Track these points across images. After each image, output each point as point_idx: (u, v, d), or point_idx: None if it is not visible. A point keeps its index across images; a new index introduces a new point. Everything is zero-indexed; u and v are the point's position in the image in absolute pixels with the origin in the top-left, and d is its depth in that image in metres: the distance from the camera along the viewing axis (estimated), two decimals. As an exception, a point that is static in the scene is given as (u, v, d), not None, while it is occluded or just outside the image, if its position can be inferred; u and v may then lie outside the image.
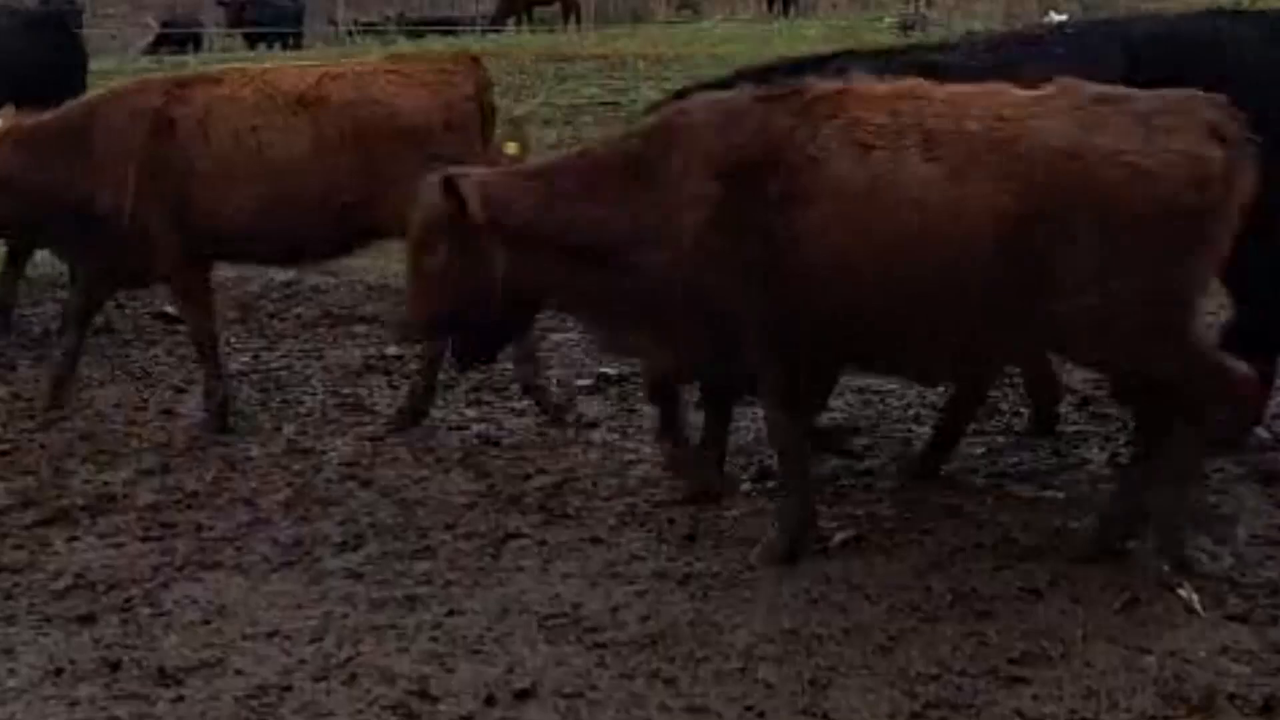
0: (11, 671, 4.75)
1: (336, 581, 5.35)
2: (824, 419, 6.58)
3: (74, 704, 4.56)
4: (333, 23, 33.43)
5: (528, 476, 6.37)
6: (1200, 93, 4.91)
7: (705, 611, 4.98)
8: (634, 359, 6.68)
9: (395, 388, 7.69)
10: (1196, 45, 6.13)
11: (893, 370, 5.92)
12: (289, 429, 7.15)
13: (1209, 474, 6.02)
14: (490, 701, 4.46)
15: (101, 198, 6.90)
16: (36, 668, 4.77)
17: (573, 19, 31.75)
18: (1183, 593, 4.94)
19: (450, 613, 5.05)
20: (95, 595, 5.30)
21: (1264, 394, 6.10)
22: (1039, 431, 6.69)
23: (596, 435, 6.89)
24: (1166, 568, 5.08)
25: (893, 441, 6.63)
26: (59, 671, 4.74)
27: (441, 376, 7.78)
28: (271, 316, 9.50)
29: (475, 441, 6.87)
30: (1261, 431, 6.49)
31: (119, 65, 20.69)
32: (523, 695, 4.48)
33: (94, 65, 10.90)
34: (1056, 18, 12.09)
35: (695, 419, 6.26)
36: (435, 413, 7.24)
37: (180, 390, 7.80)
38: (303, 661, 4.75)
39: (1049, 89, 4.99)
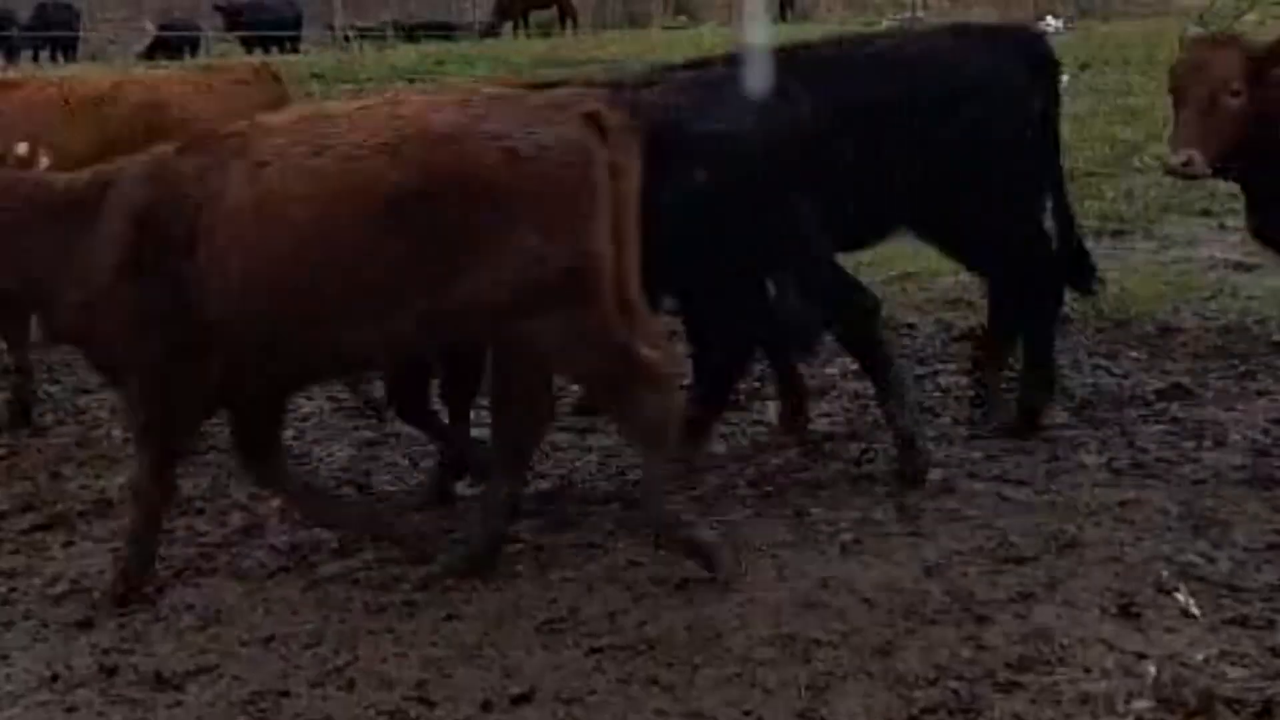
0: (9, 677, 4.76)
1: (333, 587, 5.35)
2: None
3: (71, 709, 4.57)
4: (329, 27, 33.42)
5: (524, 482, 6.36)
6: (591, 90, 5.48)
7: (702, 616, 4.97)
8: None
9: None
10: (922, 63, 6.52)
11: (332, 374, 6.19)
12: (286, 434, 7.13)
13: (1206, 479, 6.04)
14: (487, 706, 4.46)
15: None
16: (33, 673, 4.77)
17: (569, 24, 31.77)
18: (1180, 597, 4.95)
19: (447, 618, 5.05)
20: (92, 600, 5.30)
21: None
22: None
23: (593, 440, 6.88)
24: (1166, 572, 5.10)
25: (889, 447, 6.62)
26: (56, 677, 4.74)
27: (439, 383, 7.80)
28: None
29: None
30: (1259, 436, 6.52)
31: (115, 69, 20.66)
32: (520, 700, 4.48)
33: (92, 69, 10.91)
34: (1052, 22, 12.14)
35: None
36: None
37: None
38: (300, 667, 4.75)
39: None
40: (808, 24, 25.48)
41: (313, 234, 5.00)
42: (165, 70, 7.91)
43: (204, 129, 5.84)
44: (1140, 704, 4.33)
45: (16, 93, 7.46)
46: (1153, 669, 4.51)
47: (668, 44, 21.99)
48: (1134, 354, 7.81)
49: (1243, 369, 7.50)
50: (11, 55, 30.07)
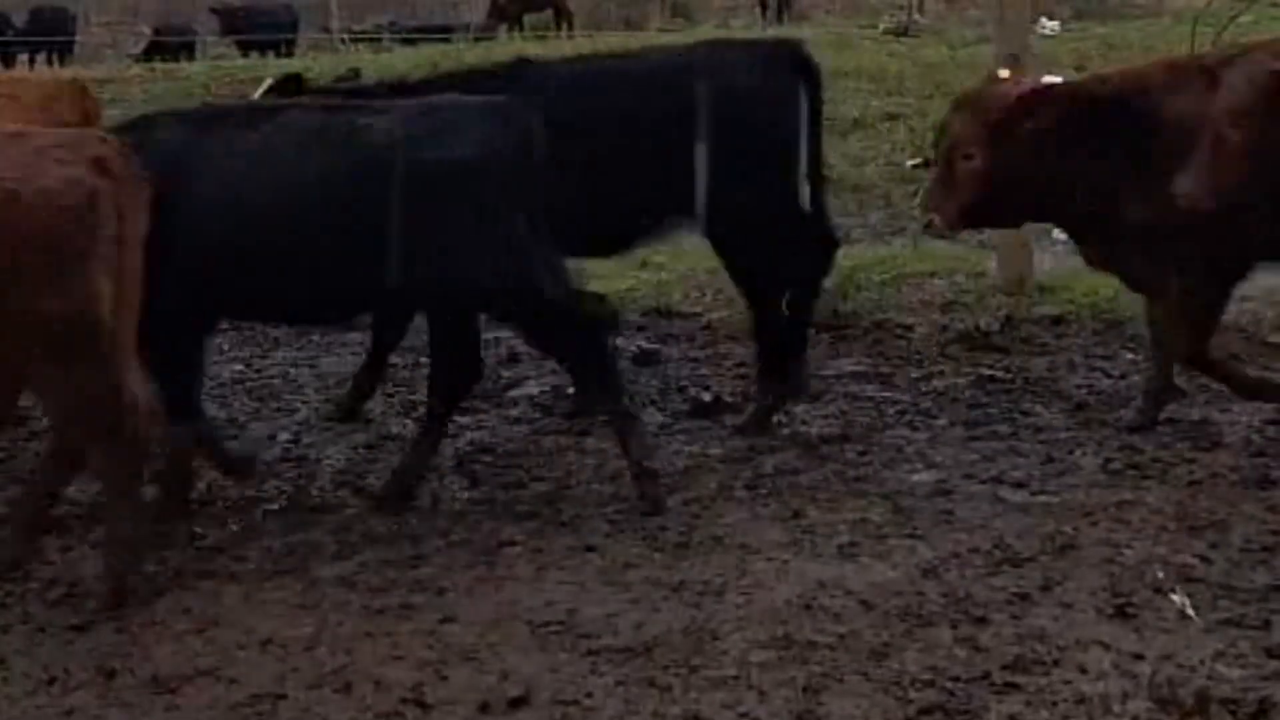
0: (5, 680, 4.75)
1: (330, 590, 5.35)
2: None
3: (68, 713, 4.56)
4: (326, 30, 33.41)
5: (521, 484, 6.38)
6: (96, 131, 5.69)
7: (699, 619, 4.98)
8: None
9: (389, 396, 7.69)
10: (670, 74, 6.96)
11: None
12: (282, 437, 7.15)
13: (1202, 480, 6.05)
14: (484, 709, 4.46)
15: None
16: (30, 676, 4.77)
17: (565, 26, 31.76)
18: (1176, 598, 4.95)
19: (444, 620, 5.05)
20: (89, 604, 5.30)
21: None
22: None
23: (590, 443, 6.88)
24: (1162, 574, 5.11)
25: (885, 449, 6.63)
26: (53, 680, 4.74)
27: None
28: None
29: (468, 449, 6.86)
30: (1255, 437, 6.52)
31: (111, 72, 20.66)
32: (517, 703, 4.48)
33: (87, 72, 10.91)
34: (1048, 24, 12.13)
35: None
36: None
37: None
38: (296, 670, 4.75)
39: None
40: (804, 26, 25.49)
41: None
42: None
43: None
44: (1136, 705, 4.33)
45: None
46: (1149, 670, 4.51)
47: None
48: (1130, 354, 7.81)
49: (1238, 370, 7.50)
50: (7, 59, 30.04)
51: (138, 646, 4.96)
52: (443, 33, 31.91)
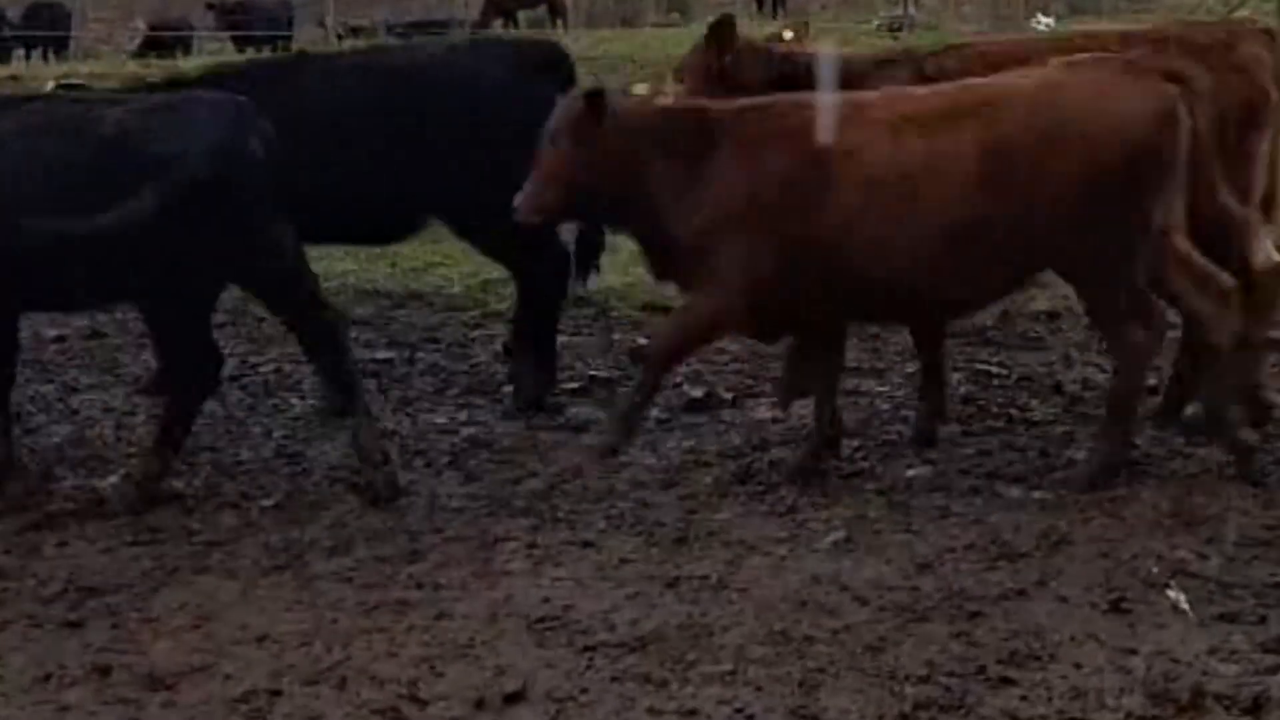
0: (1, 677, 4.75)
1: (326, 585, 5.35)
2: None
3: (63, 709, 4.56)
4: (321, 25, 33.39)
5: (517, 480, 6.38)
6: None
7: (695, 614, 4.98)
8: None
9: (384, 391, 7.69)
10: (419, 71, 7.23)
11: None
12: (278, 433, 7.15)
13: (1197, 475, 6.05)
14: (480, 705, 4.46)
15: None
16: (26, 673, 4.76)
17: (560, 22, 31.74)
18: (1171, 593, 4.96)
19: (440, 616, 5.06)
20: (84, 600, 5.30)
21: None
22: None
23: (586, 438, 6.88)
24: (1157, 569, 5.11)
25: (880, 444, 6.63)
26: (48, 676, 4.73)
27: (432, 380, 7.82)
28: (260, 320, 9.47)
29: (464, 445, 6.87)
30: (1249, 432, 6.52)
31: (107, 69, 20.63)
32: (512, 698, 4.48)
33: (84, 68, 10.90)
34: (1044, 20, 12.13)
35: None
36: (425, 416, 7.25)
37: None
38: (292, 666, 4.75)
39: None
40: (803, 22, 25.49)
41: None
42: None
43: None
44: (1131, 700, 4.33)
45: None
46: (1144, 665, 4.52)
47: (660, 42, 22.02)
48: (1125, 350, 7.81)
49: (1234, 365, 7.50)
50: (3, 55, 30.02)
51: (133, 643, 4.95)
52: (439, 28, 31.91)
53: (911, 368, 7.69)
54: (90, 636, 5.02)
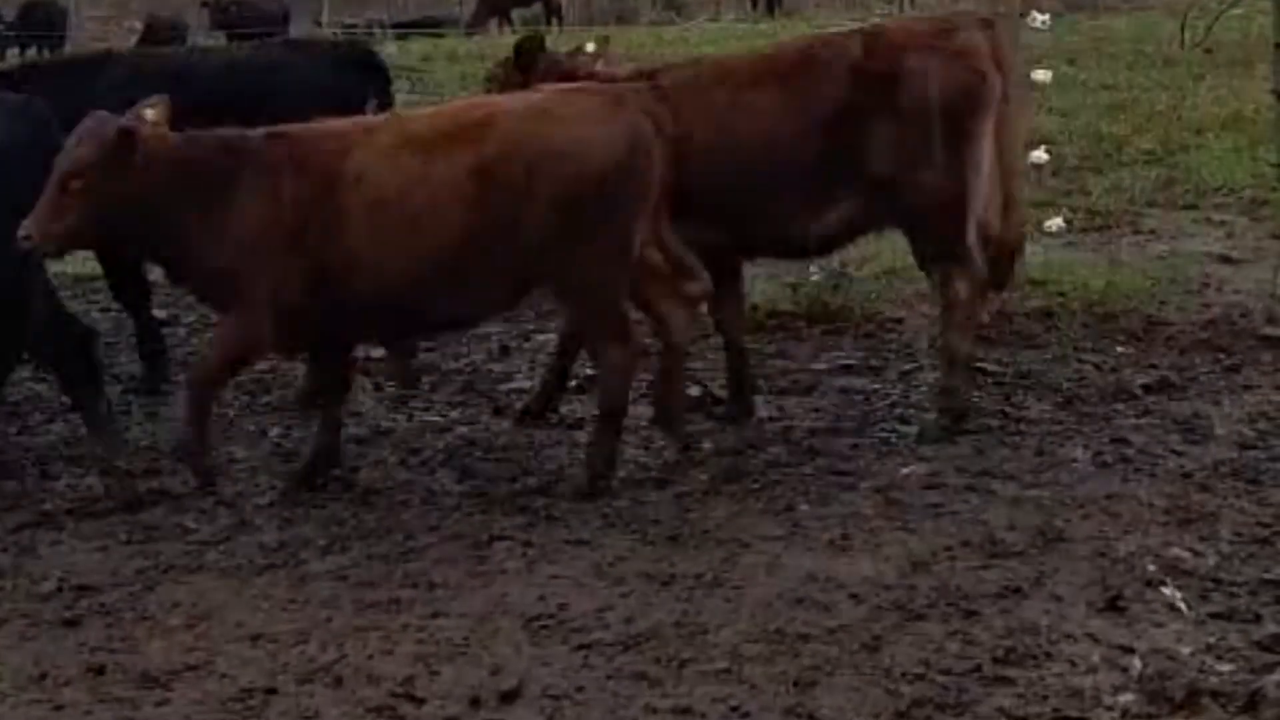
0: (-4, 676, 4.75)
1: (321, 584, 5.35)
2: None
3: (59, 708, 4.56)
4: (317, 24, 33.36)
5: (513, 478, 6.37)
6: None
7: (690, 612, 4.98)
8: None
9: (379, 389, 7.69)
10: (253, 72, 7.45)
11: None
12: (273, 432, 7.14)
13: (1192, 473, 6.05)
14: (475, 703, 4.46)
15: None
16: (21, 671, 4.76)
17: (555, 20, 31.72)
18: (1166, 591, 4.96)
19: (435, 615, 5.05)
20: (79, 598, 5.30)
21: None
22: None
23: (581, 436, 6.87)
24: (1152, 567, 5.12)
25: (876, 442, 6.63)
26: (43, 676, 4.73)
27: (427, 378, 7.80)
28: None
29: (460, 443, 6.86)
30: (1245, 430, 6.53)
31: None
32: (508, 697, 4.48)
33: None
34: (1039, 17, 12.10)
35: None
36: (420, 415, 7.24)
37: (164, 393, 7.78)
38: (287, 664, 4.75)
39: None
40: (795, 19, 25.49)
41: None
42: None
43: None
44: (1126, 698, 4.34)
45: None
46: (1139, 663, 4.52)
47: (655, 40, 22.02)
48: (1120, 348, 7.82)
49: (1229, 363, 7.51)
50: (-2, 53, 30.00)
51: (128, 642, 4.95)
52: (435, 27, 31.87)
53: (907, 366, 7.70)
54: (85, 635, 5.02)
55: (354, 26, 32.37)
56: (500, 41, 23.34)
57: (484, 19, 32.17)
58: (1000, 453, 6.43)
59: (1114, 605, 4.90)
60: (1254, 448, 6.33)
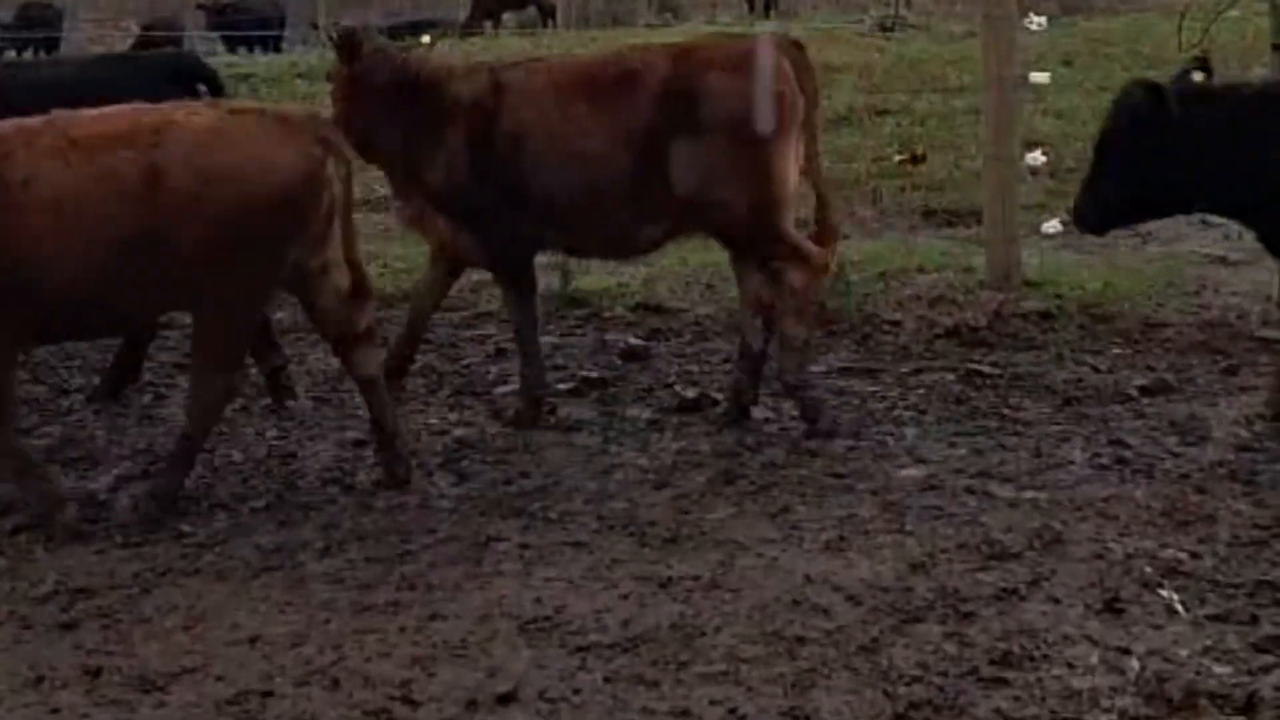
0: (-8, 678, 4.74)
1: (318, 586, 5.34)
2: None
3: (55, 711, 4.55)
4: (314, 26, 33.35)
5: (509, 480, 6.37)
6: None
7: (687, 614, 4.98)
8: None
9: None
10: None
11: None
12: (270, 434, 7.14)
13: (1190, 475, 6.05)
14: (472, 706, 4.45)
15: None
16: (16, 675, 4.76)
17: (550, 22, 31.72)
18: (1164, 593, 4.96)
19: (432, 617, 5.05)
20: (76, 601, 5.29)
21: None
22: None
23: (578, 439, 6.88)
24: (1150, 568, 5.12)
25: (873, 445, 6.63)
26: (39, 679, 4.73)
27: (424, 381, 7.80)
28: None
29: (456, 445, 6.86)
30: (1243, 431, 6.53)
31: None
32: (505, 699, 4.48)
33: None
34: (1036, 20, 12.12)
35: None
36: (416, 417, 7.24)
37: (161, 395, 7.78)
38: (284, 667, 4.74)
39: None
40: (792, 21, 25.50)
41: None
42: None
43: None
44: (1124, 700, 4.33)
45: None
46: (1137, 665, 4.52)
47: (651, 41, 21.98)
48: (1118, 349, 7.83)
49: (1226, 364, 7.52)
50: (-6, 55, 29.98)
51: (124, 644, 4.95)
52: (432, 28, 31.85)
53: (904, 367, 7.69)
54: (82, 638, 5.02)
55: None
56: (495, 44, 23.34)
57: (477, 22, 32.16)
58: (997, 455, 6.43)
59: (1111, 607, 4.90)
60: (1251, 449, 6.33)
